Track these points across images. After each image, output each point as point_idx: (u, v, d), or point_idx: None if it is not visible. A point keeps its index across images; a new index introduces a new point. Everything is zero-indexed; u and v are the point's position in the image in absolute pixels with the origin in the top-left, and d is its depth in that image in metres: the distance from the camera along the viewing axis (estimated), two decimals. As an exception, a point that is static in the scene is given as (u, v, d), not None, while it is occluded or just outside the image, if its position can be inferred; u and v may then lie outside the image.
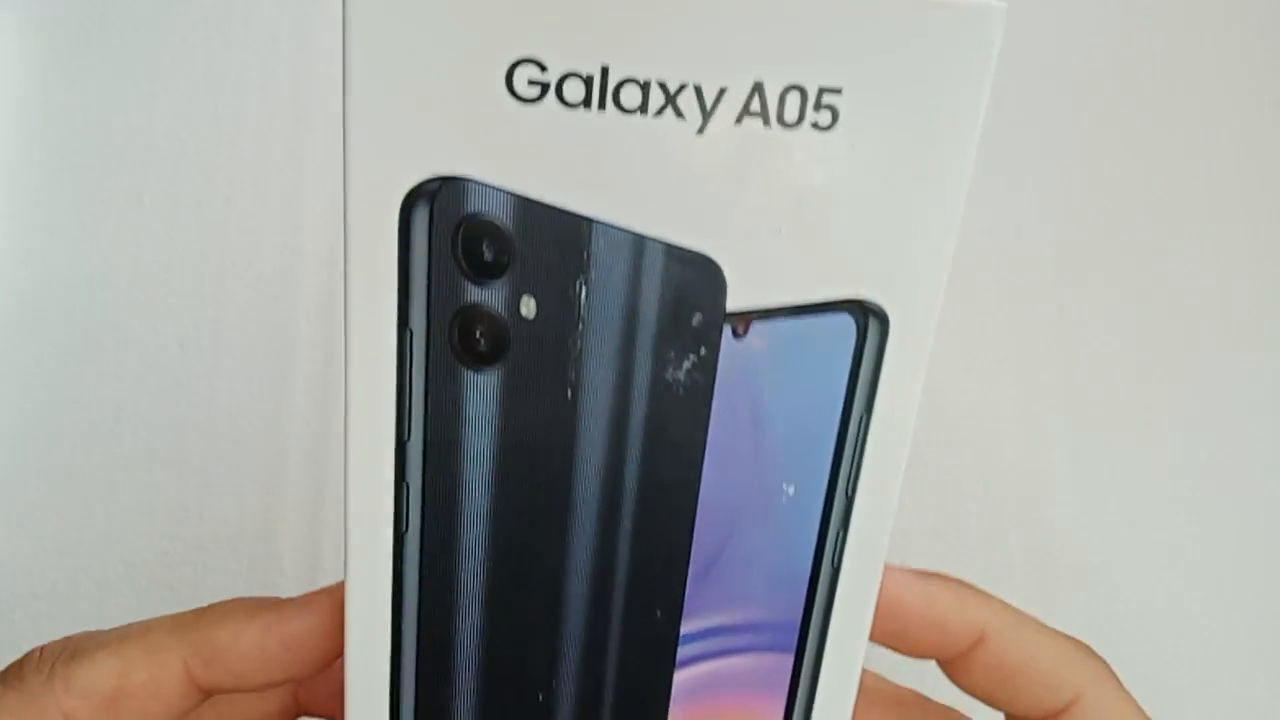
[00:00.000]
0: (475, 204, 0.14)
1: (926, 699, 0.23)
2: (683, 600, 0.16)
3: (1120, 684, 0.21)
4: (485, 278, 0.14)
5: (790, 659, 0.17)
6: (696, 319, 0.15)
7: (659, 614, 0.16)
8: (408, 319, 0.15)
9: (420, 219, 0.14)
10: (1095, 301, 0.38)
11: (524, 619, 0.16)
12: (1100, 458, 0.37)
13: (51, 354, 0.36)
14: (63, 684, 0.18)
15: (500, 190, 0.14)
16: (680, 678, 0.17)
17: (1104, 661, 0.21)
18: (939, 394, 0.36)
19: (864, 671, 0.22)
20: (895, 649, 0.20)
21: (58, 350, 0.36)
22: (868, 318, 0.15)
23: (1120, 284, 0.38)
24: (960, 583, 0.20)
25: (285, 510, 0.36)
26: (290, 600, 0.19)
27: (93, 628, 0.21)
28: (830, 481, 0.16)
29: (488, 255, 0.14)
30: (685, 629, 0.17)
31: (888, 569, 0.18)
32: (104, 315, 0.36)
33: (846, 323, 0.15)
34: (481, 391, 0.15)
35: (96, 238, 0.37)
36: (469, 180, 0.14)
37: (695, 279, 0.15)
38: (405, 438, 0.15)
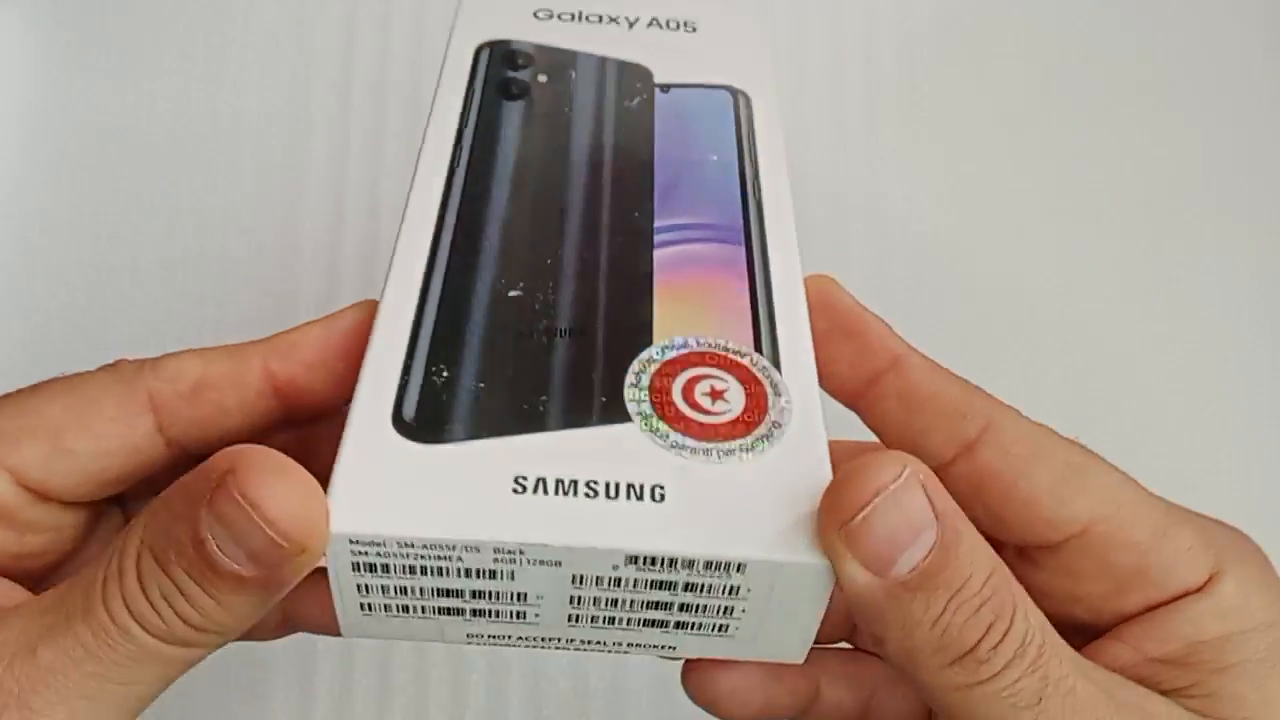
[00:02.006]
0: (513, 44, 0.27)
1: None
2: (653, 206, 0.24)
3: (1024, 416, 0.21)
4: (519, 69, 0.26)
5: (743, 250, 0.23)
6: (639, 87, 0.26)
7: (636, 214, 0.23)
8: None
9: (484, 52, 0.26)
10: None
11: (542, 212, 0.23)
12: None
13: (52, 354, 0.36)
14: (151, 370, 0.20)
15: (526, 42, 0.27)
16: (661, 255, 0.23)
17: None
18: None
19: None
20: (818, 369, 0.21)
21: (58, 350, 0.36)
22: (738, 96, 0.26)
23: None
24: (886, 323, 0.22)
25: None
26: (346, 307, 0.21)
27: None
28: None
29: (519, 61, 0.27)
30: (658, 223, 0.23)
31: (840, 289, 0.22)
32: (104, 315, 0.36)
33: (726, 96, 0.26)
34: (513, 113, 0.25)
35: (96, 238, 0.37)
36: (512, 40, 0.27)
37: (637, 74, 0.27)
38: (463, 127, 0.25)
